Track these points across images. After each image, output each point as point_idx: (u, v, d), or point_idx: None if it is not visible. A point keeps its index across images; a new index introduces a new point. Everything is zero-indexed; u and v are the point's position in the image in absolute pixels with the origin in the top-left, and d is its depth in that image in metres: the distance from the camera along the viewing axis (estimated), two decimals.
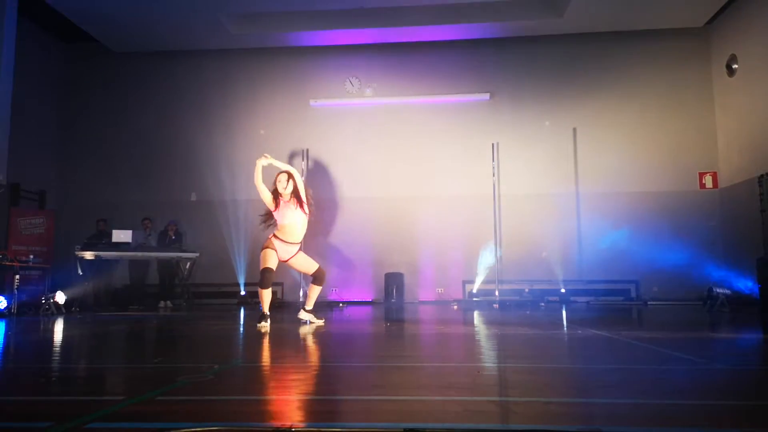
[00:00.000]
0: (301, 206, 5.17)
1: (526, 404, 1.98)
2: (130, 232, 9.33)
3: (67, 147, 11.23)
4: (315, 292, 5.46)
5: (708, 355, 3.36)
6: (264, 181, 5.33)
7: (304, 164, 10.64)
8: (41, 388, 2.42)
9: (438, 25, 10.13)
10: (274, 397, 2.22)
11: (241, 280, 10.25)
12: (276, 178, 5.21)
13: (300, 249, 5.33)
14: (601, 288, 9.94)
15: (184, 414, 1.89)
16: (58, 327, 5.85)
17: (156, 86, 11.26)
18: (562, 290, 9.80)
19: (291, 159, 10.59)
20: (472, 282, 10.07)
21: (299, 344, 4.31)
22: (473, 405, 1.94)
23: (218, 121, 10.99)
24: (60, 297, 8.01)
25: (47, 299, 7.93)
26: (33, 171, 10.25)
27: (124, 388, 2.56)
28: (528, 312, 7.58)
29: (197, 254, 9.62)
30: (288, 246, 5.21)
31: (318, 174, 10.63)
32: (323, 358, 3.46)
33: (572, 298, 9.78)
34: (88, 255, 8.97)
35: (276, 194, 5.19)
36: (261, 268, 5.15)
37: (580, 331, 4.80)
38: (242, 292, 10.19)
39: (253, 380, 2.62)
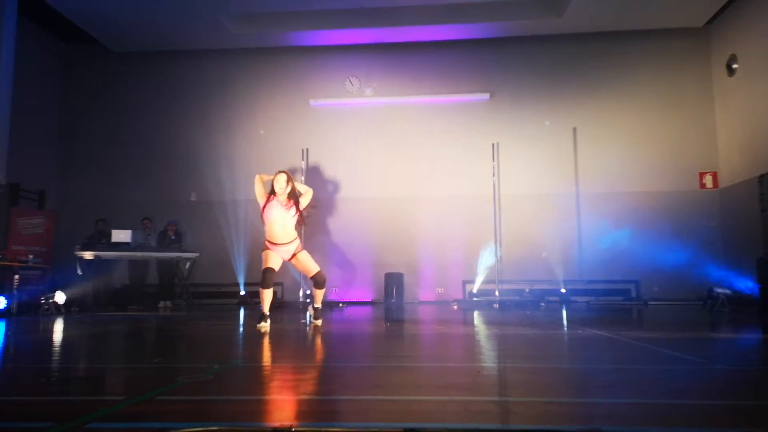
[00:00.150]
0: (297, 207, 5.09)
1: (526, 404, 1.98)
2: (129, 232, 9.33)
3: (67, 147, 11.23)
4: (319, 293, 5.38)
5: (708, 355, 3.36)
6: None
7: (304, 164, 10.64)
8: (41, 388, 2.42)
9: (438, 25, 10.13)
10: (274, 397, 2.22)
11: (241, 280, 10.25)
12: (275, 178, 5.13)
13: (301, 247, 5.22)
14: (602, 288, 9.94)
15: (184, 414, 1.89)
16: (58, 327, 5.85)
17: (156, 86, 11.26)
18: (563, 290, 9.79)
19: (290, 159, 10.60)
20: (472, 282, 10.07)
21: (299, 344, 4.31)
22: (473, 405, 1.94)
23: (218, 121, 10.99)
24: (59, 297, 8.01)
25: (47, 299, 7.93)
26: (33, 171, 10.25)
27: (124, 388, 2.56)
28: (528, 312, 7.58)
29: (197, 254, 9.62)
30: (281, 247, 5.10)
31: (318, 174, 10.64)
32: (323, 358, 3.46)
33: (572, 298, 9.78)
34: (88, 255, 8.97)
35: (270, 192, 5.13)
36: (262, 267, 5.13)
37: (580, 331, 4.80)
38: (242, 292, 10.19)
39: (253, 380, 2.62)
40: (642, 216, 9.93)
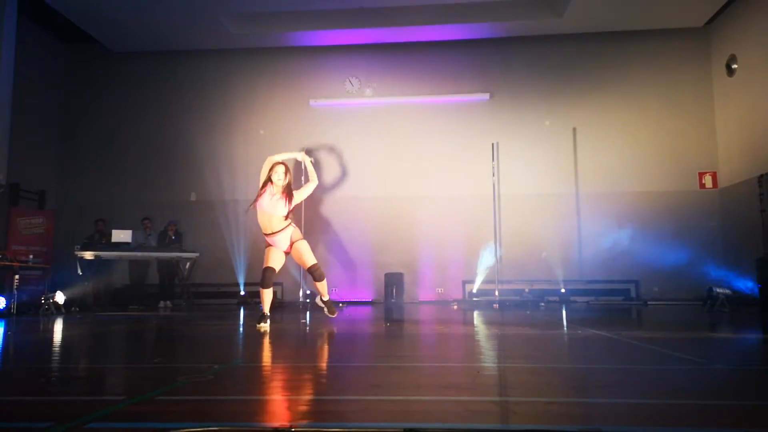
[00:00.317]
0: (289, 202, 5.05)
1: (526, 404, 1.98)
2: (129, 232, 9.33)
3: (67, 147, 11.23)
4: (320, 287, 5.28)
5: (708, 355, 3.36)
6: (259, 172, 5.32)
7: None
8: (41, 388, 2.42)
9: (438, 25, 10.13)
10: (274, 397, 2.22)
11: (241, 280, 10.25)
12: (274, 168, 5.11)
13: (299, 235, 5.16)
14: (601, 288, 9.94)
15: (184, 414, 1.89)
16: (58, 327, 5.85)
17: (156, 86, 11.26)
18: (562, 290, 9.79)
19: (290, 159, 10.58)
20: (472, 282, 10.07)
21: (299, 344, 4.32)
22: (473, 405, 1.94)
23: (218, 121, 11.00)
24: (60, 297, 8.01)
25: (47, 299, 7.93)
26: (33, 171, 10.25)
27: (124, 388, 2.56)
28: (528, 312, 7.58)
29: (197, 254, 9.62)
30: (274, 238, 5.06)
31: (318, 174, 10.60)
32: (323, 358, 3.46)
33: (572, 298, 9.78)
34: (88, 255, 8.97)
35: (267, 181, 5.10)
36: (263, 267, 5.13)
37: (580, 332, 4.80)
38: (242, 292, 10.19)
39: (253, 380, 2.62)
40: (642, 216, 9.94)
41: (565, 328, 5.13)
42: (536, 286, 9.85)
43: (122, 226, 9.43)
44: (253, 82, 11.09)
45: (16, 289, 7.76)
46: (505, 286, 9.87)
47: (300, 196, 5.25)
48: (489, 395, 2.16)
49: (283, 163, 5.18)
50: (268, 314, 5.06)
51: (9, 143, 8.93)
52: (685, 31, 10.37)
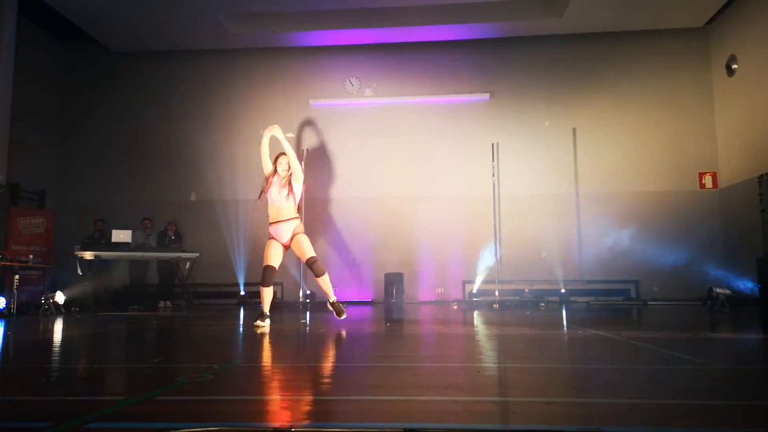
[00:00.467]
0: (290, 191, 5.14)
1: (526, 404, 1.98)
2: (129, 232, 9.33)
3: (67, 147, 11.23)
4: (322, 284, 5.28)
5: (708, 355, 3.36)
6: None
7: (303, 164, 10.63)
8: (41, 388, 2.42)
9: (438, 25, 10.13)
10: (274, 397, 2.22)
11: (241, 280, 10.25)
12: (277, 159, 5.21)
13: (299, 230, 5.19)
14: (601, 288, 9.94)
15: (184, 414, 1.89)
16: (58, 327, 5.85)
17: (156, 86, 11.26)
18: (562, 290, 9.79)
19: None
20: (472, 282, 10.07)
21: (299, 344, 4.32)
22: (473, 405, 1.94)
23: (218, 121, 11.00)
24: (59, 297, 8.01)
25: (47, 299, 7.93)
26: (33, 171, 10.25)
27: (124, 388, 2.56)
28: (528, 312, 7.58)
29: (197, 254, 9.62)
30: (278, 226, 5.14)
31: (318, 174, 10.63)
32: (323, 358, 3.46)
33: (572, 299, 9.78)
34: (88, 255, 8.97)
35: (273, 173, 5.21)
36: (263, 264, 5.14)
37: (580, 332, 4.80)
38: (242, 292, 10.19)
39: (253, 380, 2.62)
40: (642, 216, 9.94)
41: (565, 328, 5.13)
42: (536, 287, 9.84)
43: (122, 226, 9.43)
44: (253, 82, 11.09)
45: (16, 289, 7.76)
46: (505, 286, 9.87)
47: (299, 185, 5.23)
48: (489, 395, 2.16)
49: (285, 154, 5.24)
50: (268, 314, 5.06)
51: (9, 143, 8.94)
52: (685, 31, 10.37)
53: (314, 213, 10.38)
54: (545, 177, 10.27)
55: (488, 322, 5.79)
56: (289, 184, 5.16)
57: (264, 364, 3.22)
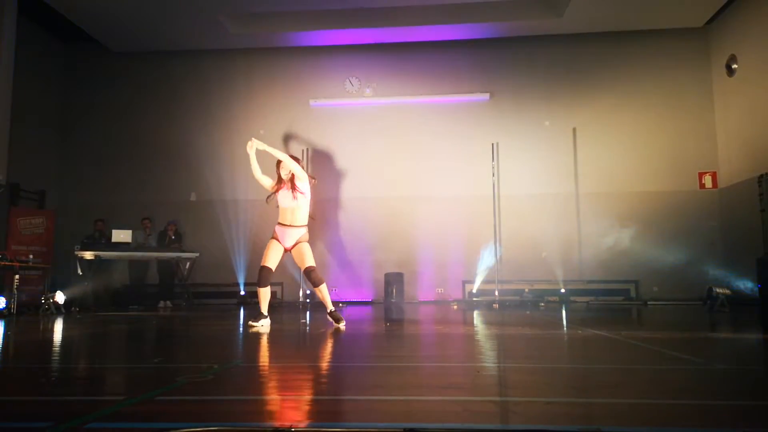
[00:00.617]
0: (293, 191, 5.14)
1: (526, 404, 1.98)
2: (129, 232, 9.33)
3: (67, 147, 11.23)
4: (320, 294, 5.26)
5: (707, 355, 3.36)
6: (263, 169, 5.37)
7: (306, 164, 10.64)
8: (41, 388, 2.42)
9: (438, 25, 10.13)
10: (274, 397, 2.22)
11: (241, 280, 10.26)
12: (279, 165, 5.25)
13: (304, 239, 5.20)
14: (601, 288, 9.94)
15: (184, 414, 1.89)
16: (58, 327, 5.85)
17: (156, 86, 11.26)
18: (562, 290, 9.79)
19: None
20: (471, 282, 10.07)
21: (299, 344, 4.32)
22: (473, 405, 1.94)
23: (218, 121, 11.00)
24: (59, 297, 8.01)
25: (47, 299, 7.93)
26: (33, 171, 10.25)
27: (124, 388, 2.56)
28: (528, 312, 7.58)
29: (197, 254, 9.63)
30: (287, 230, 5.15)
31: (318, 174, 10.62)
32: (323, 358, 3.45)
33: (572, 298, 9.78)
34: (88, 255, 8.97)
35: (279, 179, 5.25)
36: (260, 265, 5.14)
37: (580, 332, 4.80)
38: (242, 292, 10.19)
39: (253, 380, 2.62)
40: (642, 216, 9.94)
41: (565, 328, 5.13)
42: (536, 286, 9.85)
43: (122, 226, 9.44)
44: (253, 82, 11.10)
45: (16, 289, 7.76)
46: (505, 286, 9.87)
47: (302, 183, 5.21)
48: (489, 395, 2.16)
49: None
50: (266, 314, 5.06)
51: (9, 143, 8.94)
52: (685, 31, 10.37)
53: (314, 213, 10.36)
54: (545, 177, 10.27)
55: (488, 322, 5.79)
56: (293, 186, 5.15)
57: (264, 364, 3.22)
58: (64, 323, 6.28)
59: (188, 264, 9.60)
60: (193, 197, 10.89)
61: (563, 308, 8.48)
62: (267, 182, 5.34)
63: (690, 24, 10.25)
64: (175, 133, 10.98)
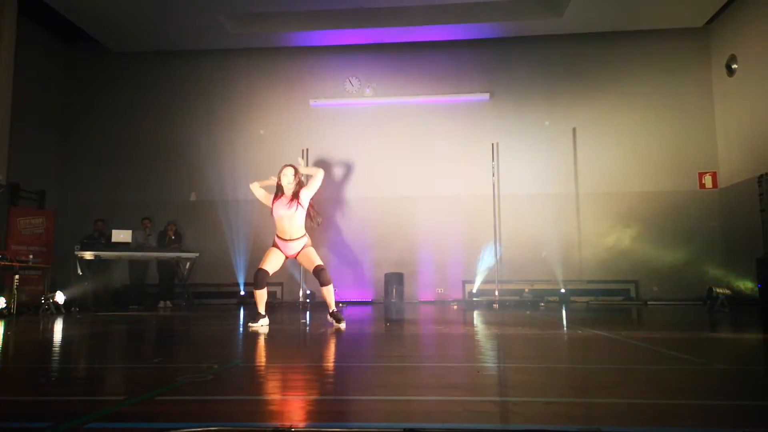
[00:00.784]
0: (297, 201, 4.99)
1: (526, 404, 1.98)
2: (129, 232, 9.33)
3: (67, 147, 11.23)
4: (325, 293, 5.20)
5: (707, 355, 3.36)
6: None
7: (304, 164, 10.64)
8: (41, 388, 2.42)
9: (438, 25, 10.13)
10: (274, 397, 2.22)
11: (241, 280, 10.25)
12: (281, 171, 5.07)
13: (307, 244, 5.15)
14: (601, 288, 9.94)
15: (184, 414, 1.89)
16: (58, 327, 5.85)
17: (156, 86, 11.26)
18: (562, 290, 9.79)
19: (290, 159, 10.58)
20: (471, 282, 10.07)
21: (299, 344, 4.32)
22: (473, 405, 1.94)
23: (218, 121, 11.00)
24: (59, 297, 8.01)
25: (47, 299, 7.92)
26: (33, 171, 10.25)
27: (124, 388, 2.56)
28: (528, 312, 7.58)
29: (197, 254, 9.62)
30: (288, 243, 5.07)
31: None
32: (323, 358, 3.45)
33: (572, 298, 9.78)
34: (88, 255, 8.97)
35: (278, 188, 5.08)
36: (258, 267, 5.09)
37: (580, 332, 4.80)
38: (242, 292, 10.19)
39: (253, 380, 2.62)
40: (642, 216, 9.94)
41: (565, 328, 5.13)
42: (536, 286, 9.84)
43: (122, 226, 9.43)
44: (253, 82, 11.09)
45: (16, 289, 7.76)
46: (505, 286, 9.87)
47: (309, 193, 5.11)
48: (489, 395, 2.16)
49: (290, 165, 5.14)
50: (264, 314, 5.04)
51: (9, 143, 8.93)
52: (685, 31, 10.37)
53: (314, 213, 10.36)
54: (545, 177, 10.26)
55: (488, 322, 5.79)
56: (297, 197, 5.01)
57: (264, 364, 3.22)
58: (64, 323, 6.28)
59: (188, 264, 9.60)
60: (193, 197, 10.89)
61: (563, 308, 8.48)
62: (261, 194, 5.20)
63: (690, 24, 10.25)
64: (175, 133, 10.98)
